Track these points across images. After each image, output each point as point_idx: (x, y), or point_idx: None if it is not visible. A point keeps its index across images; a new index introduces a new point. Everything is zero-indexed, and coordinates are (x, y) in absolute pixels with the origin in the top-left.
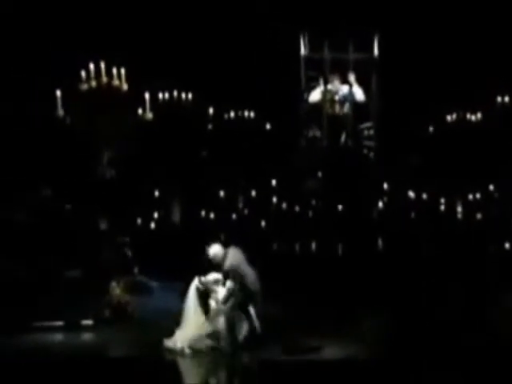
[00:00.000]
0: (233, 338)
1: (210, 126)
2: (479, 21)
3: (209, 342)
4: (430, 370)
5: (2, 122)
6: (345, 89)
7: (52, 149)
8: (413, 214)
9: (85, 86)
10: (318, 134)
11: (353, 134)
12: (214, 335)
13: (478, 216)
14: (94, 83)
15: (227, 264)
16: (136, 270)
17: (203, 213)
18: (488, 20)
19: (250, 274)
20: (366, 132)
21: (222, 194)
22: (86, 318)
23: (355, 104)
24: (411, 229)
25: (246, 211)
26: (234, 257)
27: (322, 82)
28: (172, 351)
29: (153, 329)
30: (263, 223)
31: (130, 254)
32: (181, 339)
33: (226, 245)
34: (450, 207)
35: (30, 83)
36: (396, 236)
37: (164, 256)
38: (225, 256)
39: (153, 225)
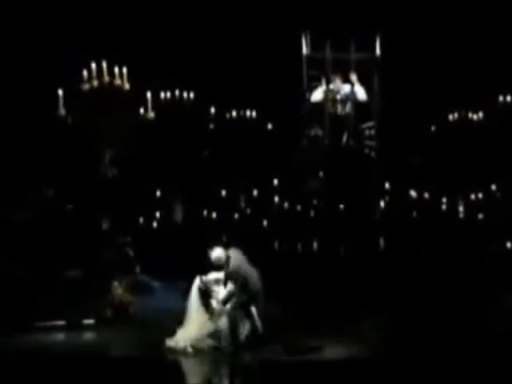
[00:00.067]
0: (234, 337)
1: (211, 126)
2: (480, 20)
3: (210, 342)
4: (429, 370)
5: (4, 122)
6: (346, 88)
7: (54, 148)
8: (414, 214)
9: (86, 86)
10: (319, 133)
11: (354, 133)
12: (215, 335)
13: (479, 216)
14: (95, 83)
15: (230, 266)
16: (138, 270)
17: (205, 212)
18: (489, 19)
19: (251, 273)
20: (367, 131)
21: (223, 193)
22: (88, 318)
23: (357, 103)
24: (412, 228)
25: (247, 211)
26: (236, 258)
27: (323, 81)
28: (173, 351)
29: (154, 328)
30: (265, 223)
31: (131, 253)
32: (183, 338)
33: (226, 246)
34: (452, 207)
35: (31, 83)
36: (397, 236)
37: (166, 256)
38: (227, 259)
39: (155, 224)
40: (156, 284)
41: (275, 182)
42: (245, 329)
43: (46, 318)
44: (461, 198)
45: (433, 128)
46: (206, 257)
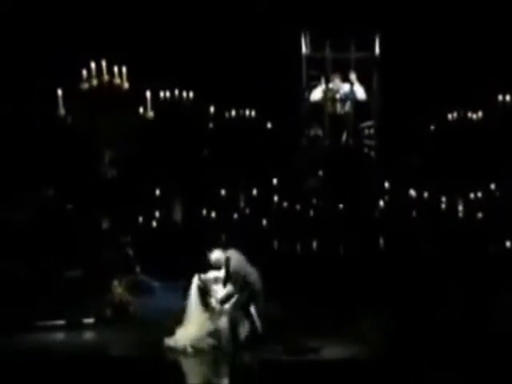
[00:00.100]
0: (234, 337)
1: (211, 125)
2: (480, 20)
3: (210, 341)
4: (429, 370)
5: (3, 122)
6: (346, 87)
7: (53, 148)
8: (414, 214)
9: (86, 85)
10: (319, 132)
11: (354, 132)
12: (215, 334)
13: (479, 215)
14: (95, 82)
15: (231, 267)
16: (138, 270)
17: (204, 212)
18: (489, 19)
19: (251, 273)
20: (366, 131)
21: (223, 193)
22: (88, 318)
23: (356, 103)
24: (412, 228)
25: (247, 210)
26: (236, 260)
27: (323, 80)
28: (173, 350)
29: (154, 328)
30: (264, 222)
31: (131, 253)
32: (182, 338)
33: (225, 246)
34: (451, 206)
35: (30, 82)
36: (396, 235)
37: (166, 255)
38: (227, 260)
39: (154, 224)
40: (156, 284)
41: (275, 181)
42: (244, 329)
43: (46, 317)
44: (460, 198)
45: (432, 128)
46: (206, 258)
